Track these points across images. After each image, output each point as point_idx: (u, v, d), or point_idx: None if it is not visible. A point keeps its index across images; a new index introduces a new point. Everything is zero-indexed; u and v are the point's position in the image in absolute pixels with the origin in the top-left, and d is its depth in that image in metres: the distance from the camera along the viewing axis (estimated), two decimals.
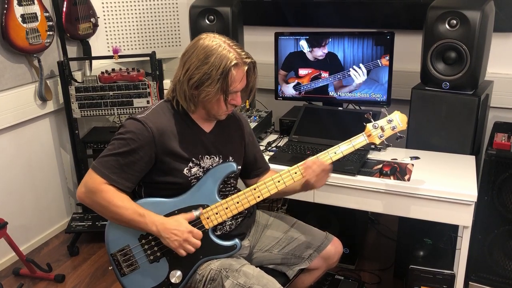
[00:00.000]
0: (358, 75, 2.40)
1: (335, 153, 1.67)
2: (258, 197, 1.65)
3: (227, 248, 1.66)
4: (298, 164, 1.66)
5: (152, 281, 1.64)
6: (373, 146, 2.25)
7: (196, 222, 1.62)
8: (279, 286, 1.60)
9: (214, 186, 1.64)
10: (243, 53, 1.58)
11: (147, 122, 1.56)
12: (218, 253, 1.66)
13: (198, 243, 1.57)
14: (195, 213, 1.60)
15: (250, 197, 1.65)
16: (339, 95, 2.48)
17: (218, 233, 1.69)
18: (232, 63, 1.53)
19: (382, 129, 1.69)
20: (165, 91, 2.93)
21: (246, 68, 1.58)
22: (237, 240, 1.68)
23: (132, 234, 1.62)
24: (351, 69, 2.42)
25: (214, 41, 1.56)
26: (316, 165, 1.64)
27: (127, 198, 1.57)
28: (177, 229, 1.55)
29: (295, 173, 1.65)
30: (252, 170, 1.88)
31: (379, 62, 2.36)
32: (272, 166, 2.10)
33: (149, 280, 1.64)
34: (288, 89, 2.58)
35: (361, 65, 2.39)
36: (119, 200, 1.55)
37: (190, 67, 1.56)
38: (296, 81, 2.55)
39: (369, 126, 1.70)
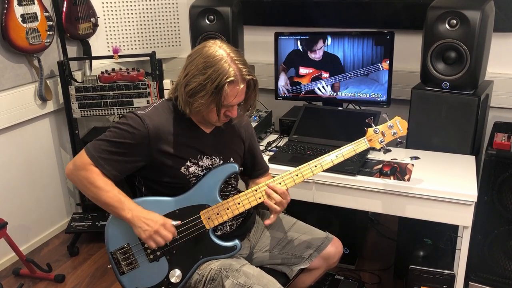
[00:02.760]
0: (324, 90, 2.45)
1: (336, 156, 1.68)
2: (259, 198, 1.65)
3: (227, 249, 1.66)
4: (300, 166, 1.67)
5: (152, 280, 1.64)
6: None
7: (197, 222, 1.62)
8: (279, 286, 1.60)
9: (215, 186, 1.64)
10: (245, 69, 1.54)
11: (145, 119, 1.57)
12: (218, 253, 1.66)
13: (169, 236, 1.57)
14: (174, 222, 1.60)
15: (251, 198, 1.65)
16: (342, 95, 2.48)
17: (219, 233, 1.69)
18: (228, 80, 1.50)
19: (383, 134, 1.72)
20: (165, 91, 2.94)
21: (242, 85, 1.54)
22: (237, 241, 1.67)
23: (132, 233, 1.62)
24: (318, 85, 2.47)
25: (218, 51, 1.53)
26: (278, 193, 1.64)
27: (110, 183, 1.58)
28: (150, 219, 1.55)
29: (297, 175, 1.66)
30: (252, 171, 1.89)
31: (380, 65, 2.35)
32: (272, 166, 2.10)
33: (148, 279, 1.64)
34: (281, 81, 2.57)
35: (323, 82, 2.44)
36: (102, 182, 1.56)
37: (189, 73, 1.55)
38: (297, 80, 2.55)
39: (370, 131, 1.71)
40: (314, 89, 2.51)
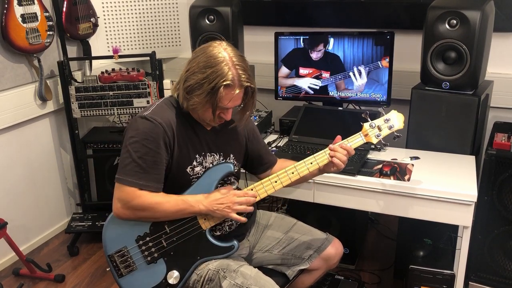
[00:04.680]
0: (359, 77, 2.40)
1: None
2: (255, 197, 1.65)
3: (225, 249, 1.66)
4: (295, 164, 1.67)
5: (150, 282, 1.64)
6: (372, 146, 2.25)
7: (193, 223, 1.62)
8: (277, 287, 1.60)
9: (211, 186, 1.64)
10: (244, 75, 1.53)
11: (155, 118, 1.56)
12: (216, 253, 1.66)
13: (245, 198, 1.59)
14: (233, 186, 1.62)
15: None
16: (342, 95, 2.48)
17: (218, 233, 1.69)
18: (224, 83, 1.50)
19: (379, 128, 1.69)
20: (166, 91, 2.94)
21: (238, 90, 1.53)
22: (235, 241, 1.67)
23: (129, 235, 1.62)
24: (351, 72, 2.41)
25: (221, 53, 1.53)
26: (341, 151, 1.65)
27: (163, 193, 1.59)
28: (221, 198, 1.57)
29: (292, 172, 1.65)
30: (259, 166, 1.88)
31: (379, 63, 2.35)
32: None
33: (146, 281, 1.64)
34: (306, 82, 2.54)
35: (361, 67, 2.39)
36: (157, 197, 1.56)
37: (189, 70, 1.56)
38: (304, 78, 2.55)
39: (366, 125, 1.69)
40: (306, 88, 2.52)
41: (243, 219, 1.60)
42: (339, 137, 1.70)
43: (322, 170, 1.73)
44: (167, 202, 1.56)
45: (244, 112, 1.65)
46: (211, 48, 1.55)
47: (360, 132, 1.69)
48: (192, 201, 1.58)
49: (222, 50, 1.54)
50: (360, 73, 2.40)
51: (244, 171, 1.97)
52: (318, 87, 2.51)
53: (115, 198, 1.57)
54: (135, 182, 1.54)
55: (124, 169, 1.55)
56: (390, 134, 1.71)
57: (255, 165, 1.88)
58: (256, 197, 1.63)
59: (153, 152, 1.54)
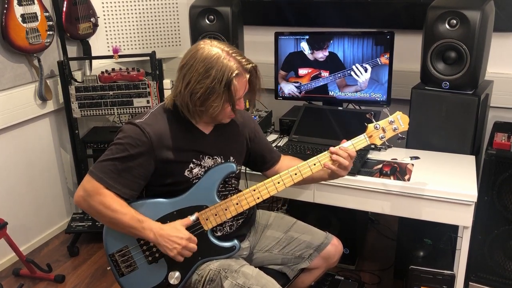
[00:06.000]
0: (360, 73, 2.40)
1: None
2: (258, 198, 1.64)
3: (226, 249, 1.66)
4: (299, 165, 1.66)
5: (151, 282, 1.64)
6: (373, 146, 2.25)
7: (195, 223, 1.62)
8: (278, 287, 1.60)
9: (213, 186, 1.64)
10: (244, 59, 1.54)
11: (145, 127, 1.55)
12: (217, 254, 1.66)
13: (195, 247, 1.58)
14: (191, 218, 1.60)
15: (250, 198, 1.64)
16: (342, 94, 2.48)
17: (219, 234, 1.69)
18: (234, 74, 1.49)
19: (384, 130, 1.68)
20: (166, 91, 2.94)
21: (248, 75, 1.55)
22: (236, 242, 1.67)
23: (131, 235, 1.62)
24: (353, 67, 2.41)
25: (213, 50, 1.51)
26: (344, 156, 1.63)
27: (125, 204, 1.56)
28: (176, 236, 1.54)
29: (295, 174, 1.65)
30: (262, 164, 1.88)
31: (378, 60, 2.35)
32: None
33: (147, 281, 1.64)
34: (288, 86, 2.56)
35: (358, 65, 2.39)
36: (117, 205, 1.53)
37: (191, 81, 1.52)
38: (296, 80, 2.55)
39: (370, 126, 1.68)
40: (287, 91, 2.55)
41: (181, 260, 1.57)
42: (344, 140, 1.69)
43: (331, 175, 1.72)
44: (123, 215, 1.53)
45: (254, 93, 1.63)
46: (201, 51, 1.52)
47: (365, 134, 1.68)
48: (146, 225, 1.54)
49: (211, 47, 1.52)
50: (365, 69, 2.39)
51: (244, 171, 1.97)
52: (295, 94, 2.57)
53: (80, 186, 1.56)
54: (104, 180, 1.52)
55: (100, 164, 1.55)
56: (394, 135, 1.70)
57: (258, 163, 1.88)
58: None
59: (132, 158, 1.53)
